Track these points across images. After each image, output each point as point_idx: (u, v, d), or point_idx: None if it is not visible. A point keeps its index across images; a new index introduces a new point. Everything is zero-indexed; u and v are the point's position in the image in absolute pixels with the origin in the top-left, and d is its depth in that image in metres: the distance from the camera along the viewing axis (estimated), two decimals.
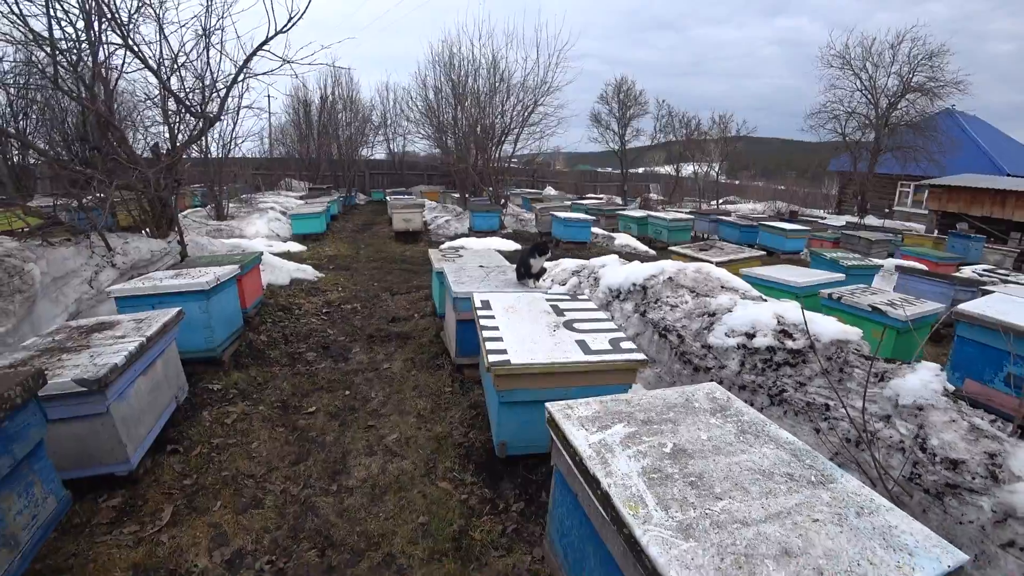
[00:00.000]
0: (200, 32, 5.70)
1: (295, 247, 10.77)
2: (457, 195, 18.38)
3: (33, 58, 6.12)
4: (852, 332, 3.21)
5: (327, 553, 2.44)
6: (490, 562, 2.38)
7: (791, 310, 3.48)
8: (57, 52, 4.86)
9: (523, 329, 3.04)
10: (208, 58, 5.81)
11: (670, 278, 4.75)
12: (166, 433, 3.23)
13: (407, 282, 8.06)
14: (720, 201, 27.96)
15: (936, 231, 17.63)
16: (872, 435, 2.62)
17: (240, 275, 4.80)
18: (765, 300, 3.97)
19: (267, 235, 12.10)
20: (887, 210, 24.47)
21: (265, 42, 5.57)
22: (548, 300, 3.68)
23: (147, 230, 6.22)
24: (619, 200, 24.53)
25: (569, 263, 6.66)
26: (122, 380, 2.62)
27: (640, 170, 36.25)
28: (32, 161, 9.84)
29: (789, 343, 3.28)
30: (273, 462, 3.13)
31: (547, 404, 1.94)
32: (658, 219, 13.11)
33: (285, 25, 5.49)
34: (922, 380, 2.65)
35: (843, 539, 1.28)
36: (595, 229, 12.92)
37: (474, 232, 13.15)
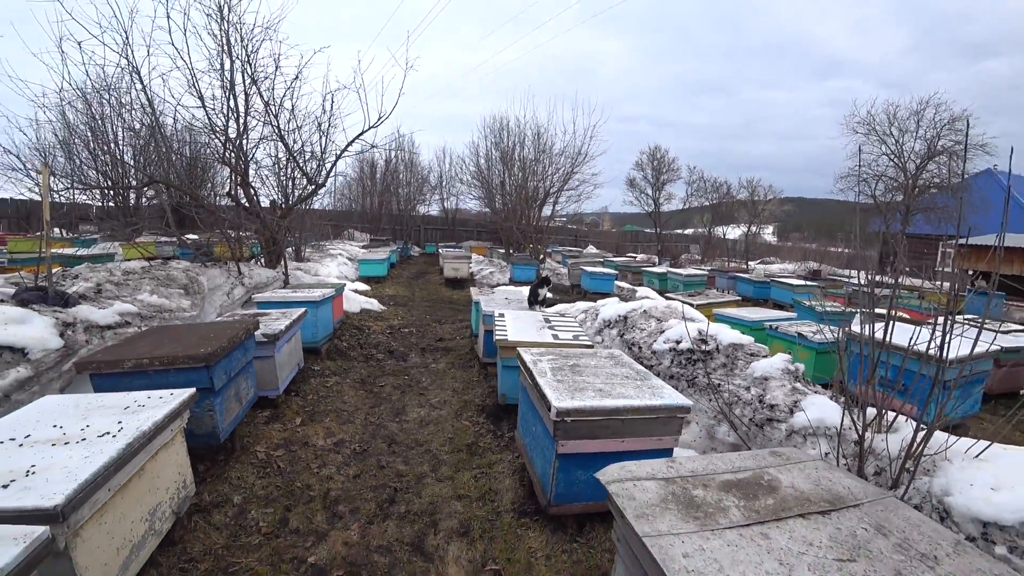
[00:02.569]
0: (319, 124, 7.99)
1: (361, 287, 12.86)
2: (502, 250, 20.46)
3: (203, 138, 8.56)
4: (745, 339, 4.72)
5: (391, 446, 4.11)
6: (487, 456, 3.99)
7: (711, 327, 5.02)
8: (226, 137, 7.16)
9: (520, 327, 4.73)
10: (324, 144, 8.07)
11: (645, 311, 6.33)
12: (292, 385, 5.04)
13: (453, 317, 9.87)
14: (757, 261, 28.98)
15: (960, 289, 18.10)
16: (737, 397, 4.12)
17: (334, 296, 6.73)
18: (700, 322, 5.50)
19: (337, 276, 14.33)
20: (933, 270, 24.79)
21: (361, 133, 7.82)
22: (543, 316, 5.37)
23: (262, 261, 8.36)
24: (656, 259, 26.03)
25: (582, 304, 8.31)
26: (280, 341, 4.46)
27: (688, 231, 37.89)
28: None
29: (703, 346, 4.81)
30: (358, 406, 4.87)
31: (519, 349, 3.61)
32: (676, 275, 14.61)
33: (376, 122, 7.71)
34: (771, 363, 4.16)
35: (631, 387, 2.88)
36: (621, 283, 14.49)
37: (513, 282, 14.98)
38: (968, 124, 7.28)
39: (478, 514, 3.17)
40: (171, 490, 2.59)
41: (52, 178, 13.71)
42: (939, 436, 2.96)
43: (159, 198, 8.96)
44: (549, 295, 6.55)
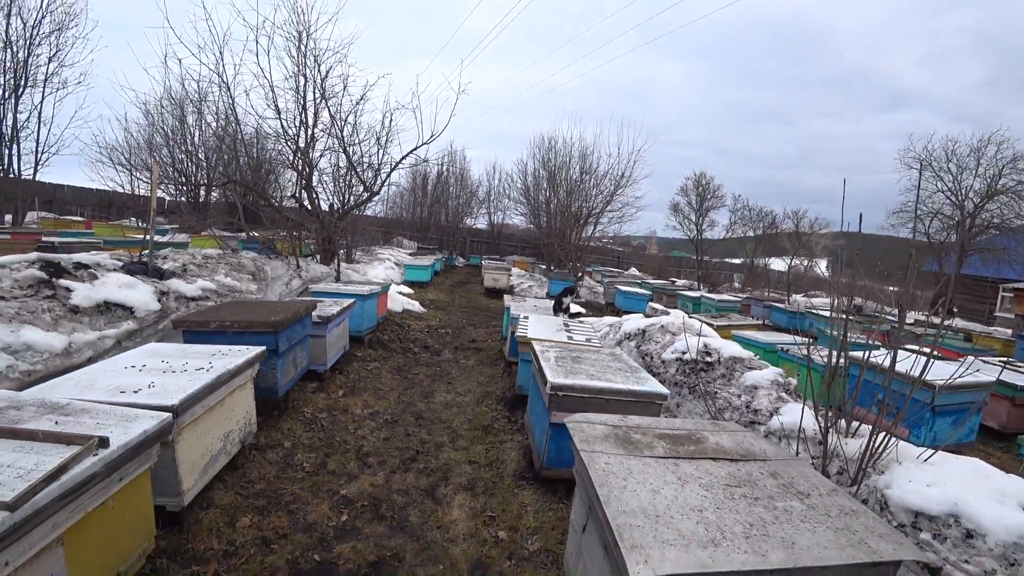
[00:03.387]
0: (377, 138, 8.87)
1: (405, 289, 13.68)
2: (544, 266, 21.04)
3: (271, 144, 9.60)
4: (746, 354, 5.11)
5: (418, 420, 4.72)
6: (499, 436, 4.53)
7: (716, 342, 5.42)
8: (296, 146, 8.08)
9: (540, 328, 5.28)
10: (381, 156, 8.94)
11: (662, 326, 6.76)
12: (337, 364, 5.74)
13: (488, 323, 10.49)
14: (802, 294, 28.44)
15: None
16: (729, 403, 4.53)
17: (380, 294, 7.46)
18: (710, 338, 5.89)
19: (384, 279, 15.24)
20: (991, 315, 23.79)
21: (414, 149, 8.67)
22: (563, 321, 5.90)
23: (317, 258, 9.22)
24: (696, 285, 26.00)
25: (609, 319, 8.79)
26: (331, 324, 5.16)
27: (736, 260, 37.52)
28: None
29: (707, 358, 5.22)
30: (393, 387, 5.52)
31: (532, 343, 4.16)
32: (709, 299, 14.79)
33: (429, 139, 8.50)
34: (762, 374, 4.55)
35: (619, 376, 3.39)
36: (656, 305, 14.79)
37: (550, 296, 15.51)
38: None
39: (483, 476, 3.72)
40: (240, 423, 3.26)
41: (136, 172, 15.25)
42: (899, 444, 3.33)
43: (234, 195, 10.01)
44: (573, 306, 7.06)
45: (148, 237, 5.55)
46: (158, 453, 2.24)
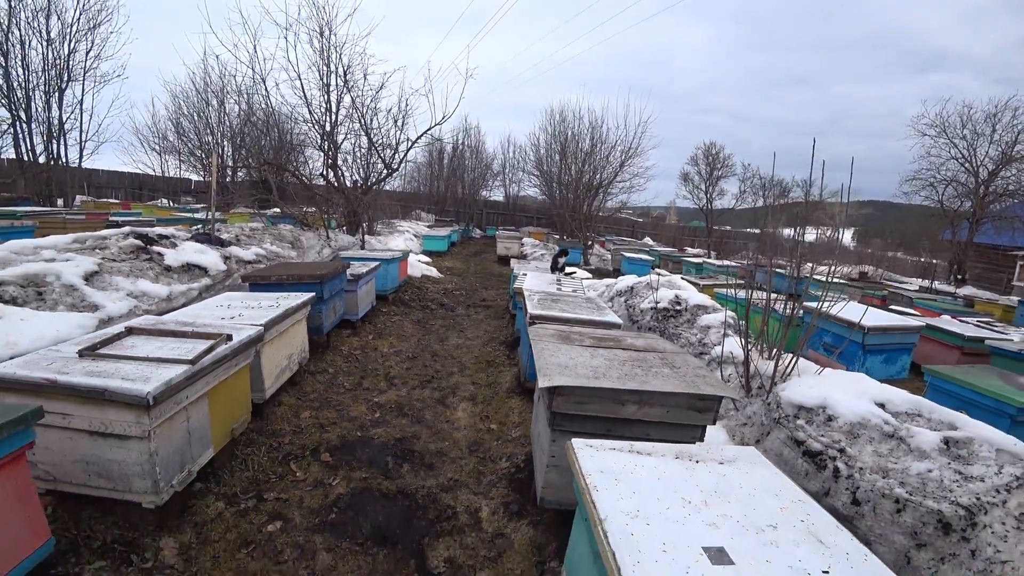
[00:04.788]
0: (395, 120, 9.83)
1: (424, 258, 14.75)
2: (558, 236, 21.90)
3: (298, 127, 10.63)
4: (709, 302, 6.04)
5: (433, 357, 5.79)
6: (499, 368, 5.58)
7: (686, 294, 6.36)
8: (323, 130, 9.09)
9: (535, 282, 6.27)
10: (398, 137, 9.90)
11: (647, 283, 7.70)
12: (367, 316, 6.83)
13: (499, 286, 11.52)
14: (820, 263, 28.83)
15: None
16: (688, 340, 5.50)
17: (401, 259, 8.52)
18: (682, 291, 6.82)
19: (403, 248, 16.36)
20: (1006, 284, 23.91)
21: (428, 129, 9.55)
22: (556, 278, 6.88)
23: (344, 229, 10.30)
24: (707, 254, 26.62)
25: (607, 280, 9.74)
26: (361, 281, 6.23)
27: (757, 230, 37.77)
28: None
29: (677, 306, 6.18)
30: (413, 333, 6.61)
31: (523, 289, 5.16)
32: (710, 264, 15.58)
33: (441, 120, 9.43)
34: (715, 316, 5.50)
35: (585, 310, 4.38)
36: (660, 270, 15.67)
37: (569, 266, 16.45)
38: None
39: (483, 392, 4.79)
40: (298, 348, 4.36)
41: (165, 156, 16.44)
42: (802, 364, 4.28)
43: (268, 175, 11.06)
44: (569, 267, 8.03)
45: (211, 214, 6.66)
46: (253, 355, 3.32)
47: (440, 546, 2.76)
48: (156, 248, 5.01)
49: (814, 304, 6.41)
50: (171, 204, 21.04)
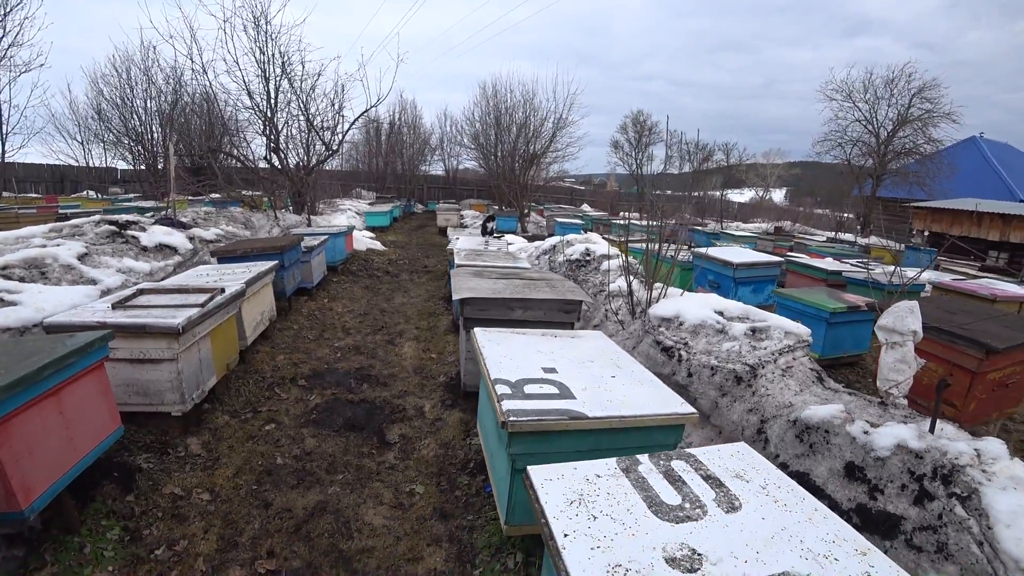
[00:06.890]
0: (333, 104, 10.49)
1: (368, 233, 15.49)
2: (497, 207, 22.90)
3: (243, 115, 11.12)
4: (613, 251, 7.29)
5: (382, 312, 6.79)
6: (439, 317, 6.64)
7: (595, 247, 7.58)
8: (264, 115, 9.69)
9: (466, 244, 7.33)
10: (336, 120, 10.57)
11: (567, 241, 8.90)
12: (320, 284, 7.71)
13: (440, 255, 12.49)
14: (748, 222, 31.17)
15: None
16: (593, 284, 6.73)
17: (347, 233, 9.36)
18: (593, 245, 8.04)
19: (348, 224, 16.99)
20: (908, 234, 26.75)
21: (364, 112, 10.29)
22: (484, 240, 7.97)
23: (291, 208, 10.97)
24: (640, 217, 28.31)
25: (537, 242, 10.90)
26: (313, 252, 7.10)
27: (686, 194, 39.96)
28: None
29: (587, 257, 7.39)
30: (362, 296, 7.56)
31: (454, 248, 6.21)
32: (636, 225, 17.08)
33: (376, 103, 10.19)
34: (614, 262, 6.74)
35: (502, 261, 5.49)
36: (591, 234, 17.03)
37: (498, 231, 17.50)
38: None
39: (425, 334, 5.86)
40: (268, 306, 5.27)
41: (87, 145, 16.23)
42: (671, 292, 5.56)
43: (214, 161, 11.42)
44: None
45: (171, 201, 7.30)
46: (238, 308, 4.25)
47: (395, 429, 3.85)
48: (130, 232, 5.71)
49: (703, 250, 7.79)
50: (99, 196, 20.50)
